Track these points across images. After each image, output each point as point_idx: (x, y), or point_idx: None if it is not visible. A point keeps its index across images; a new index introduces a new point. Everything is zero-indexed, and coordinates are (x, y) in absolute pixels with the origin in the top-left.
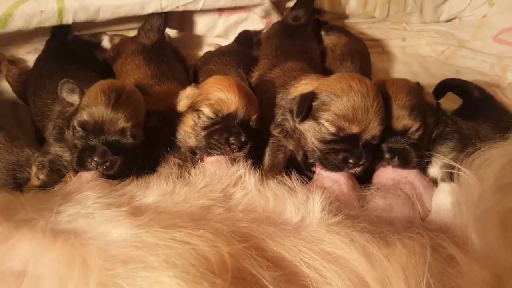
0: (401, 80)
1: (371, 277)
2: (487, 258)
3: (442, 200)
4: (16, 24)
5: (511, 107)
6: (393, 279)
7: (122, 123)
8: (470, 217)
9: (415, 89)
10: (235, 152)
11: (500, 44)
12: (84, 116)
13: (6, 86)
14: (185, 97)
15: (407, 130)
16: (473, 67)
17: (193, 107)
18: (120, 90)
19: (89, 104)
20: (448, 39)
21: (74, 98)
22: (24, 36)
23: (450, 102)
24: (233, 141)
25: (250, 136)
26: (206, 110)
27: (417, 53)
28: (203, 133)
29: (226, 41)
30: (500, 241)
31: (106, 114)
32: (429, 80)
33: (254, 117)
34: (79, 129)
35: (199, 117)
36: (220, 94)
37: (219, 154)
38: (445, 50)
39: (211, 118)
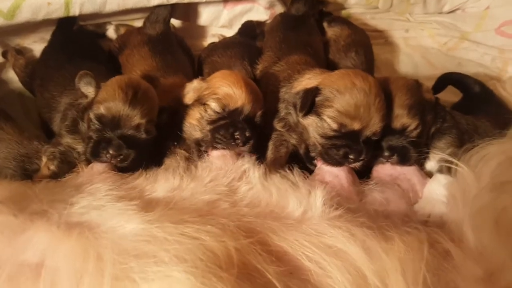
0: (400, 79)
1: (370, 270)
2: (481, 255)
3: (435, 190)
4: (23, 16)
5: (510, 101)
6: (391, 272)
7: (137, 119)
8: (466, 213)
9: (414, 87)
10: (240, 146)
11: (502, 37)
12: (101, 109)
13: (14, 76)
14: (192, 90)
15: (406, 129)
16: (475, 59)
17: (200, 101)
18: (137, 87)
19: (107, 99)
20: (451, 30)
21: (90, 90)
22: (30, 26)
23: (451, 95)
24: (238, 136)
25: (254, 132)
26: (213, 105)
27: (420, 45)
28: (208, 127)
29: (230, 31)
30: (493, 240)
31: (123, 109)
32: (431, 71)
33: (259, 113)
34: (96, 122)
35: (205, 111)
36: (227, 89)
37: (224, 148)
38: (447, 41)
39: (217, 112)
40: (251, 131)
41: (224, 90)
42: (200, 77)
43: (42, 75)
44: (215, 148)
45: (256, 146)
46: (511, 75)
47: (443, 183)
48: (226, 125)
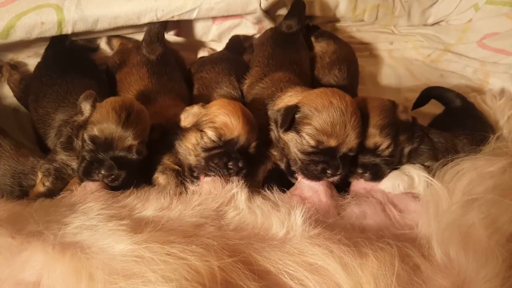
0: (376, 100)
1: (347, 284)
2: (447, 269)
3: (395, 181)
4: (17, 35)
5: (490, 114)
6: (365, 287)
7: (130, 140)
8: (435, 229)
9: (388, 108)
10: (232, 176)
11: (484, 49)
12: (95, 131)
13: (9, 91)
14: (192, 114)
15: (378, 147)
16: (457, 71)
17: (198, 126)
18: (130, 109)
19: (101, 121)
20: (434, 43)
21: (87, 108)
22: (24, 42)
23: (434, 107)
24: (231, 166)
25: (247, 161)
26: (210, 133)
27: (403, 57)
28: (203, 154)
29: (220, 45)
30: (460, 255)
31: (116, 131)
32: (414, 83)
33: (253, 144)
34: (90, 143)
35: (202, 137)
36: (225, 119)
37: (216, 176)
38: (430, 54)
39: (213, 141)
40: (244, 162)
41: (222, 119)
42: (200, 103)
43: (36, 91)
44: (208, 175)
45: (247, 175)
46: (491, 87)
47: (403, 179)
48: (220, 154)
